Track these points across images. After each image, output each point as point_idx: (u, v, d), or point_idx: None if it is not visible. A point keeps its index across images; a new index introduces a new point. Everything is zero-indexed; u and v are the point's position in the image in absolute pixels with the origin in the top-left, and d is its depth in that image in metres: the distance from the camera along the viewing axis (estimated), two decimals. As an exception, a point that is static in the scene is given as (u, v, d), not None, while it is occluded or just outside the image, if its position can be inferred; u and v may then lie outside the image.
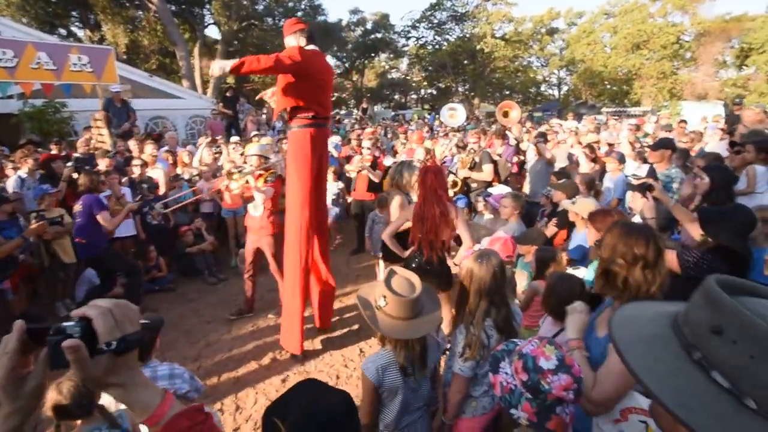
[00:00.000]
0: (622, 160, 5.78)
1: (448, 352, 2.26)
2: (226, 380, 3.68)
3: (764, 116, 6.94)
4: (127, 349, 0.72)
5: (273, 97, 3.83)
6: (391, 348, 1.96)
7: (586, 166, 6.07)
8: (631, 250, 1.56)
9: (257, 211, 4.47)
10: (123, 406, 2.25)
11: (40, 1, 18.02)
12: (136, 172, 6.10)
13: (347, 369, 3.72)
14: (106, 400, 1.87)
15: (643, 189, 3.19)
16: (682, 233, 3.89)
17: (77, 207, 4.50)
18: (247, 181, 4.45)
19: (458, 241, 3.74)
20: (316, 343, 4.13)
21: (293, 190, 3.76)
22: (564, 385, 1.32)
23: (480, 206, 5.08)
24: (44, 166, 5.60)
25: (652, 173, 4.56)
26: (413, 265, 3.53)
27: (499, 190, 5.07)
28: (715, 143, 6.63)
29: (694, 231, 2.77)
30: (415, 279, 2.01)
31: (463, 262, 2.24)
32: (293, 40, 3.56)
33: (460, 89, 30.55)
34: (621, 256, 1.58)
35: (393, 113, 25.69)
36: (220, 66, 3.24)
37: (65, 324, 0.70)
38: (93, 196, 4.53)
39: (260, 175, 4.51)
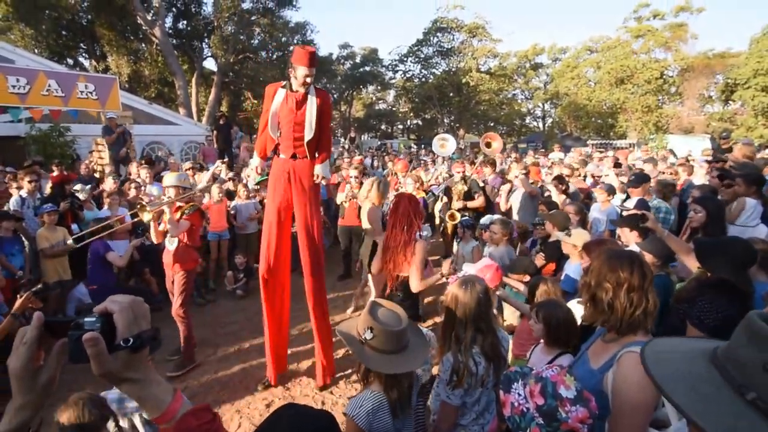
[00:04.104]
0: (611, 191, 5.51)
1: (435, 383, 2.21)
2: (211, 402, 3.62)
3: (753, 151, 6.93)
4: (143, 346, 0.74)
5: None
6: (380, 387, 1.80)
7: (557, 199, 5.70)
8: (615, 273, 1.55)
9: (172, 245, 4.11)
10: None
11: (53, 33, 18.95)
12: (131, 194, 6.24)
13: (332, 396, 3.68)
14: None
15: (636, 220, 3.08)
16: (678, 262, 3.88)
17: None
18: (160, 214, 4.08)
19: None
20: (301, 369, 4.09)
21: (311, 212, 3.64)
22: (581, 417, 1.31)
23: (460, 232, 5.13)
24: (56, 187, 5.70)
25: (641, 204, 4.47)
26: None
27: (494, 218, 5.03)
28: (702, 177, 6.60)
29: (691, 263, 2.65)
30: (400, 310, 1.93)
31: (447, 288, 2.22)
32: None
33: (445, 120, 30.94)
34: (606, 281, 1.57)
35: (379, 143, 26.11)
36: (322, 173, 3.63)
37: (86, 319, 0.71)
38: (99, 242, 4.80)
39: (178, 208, 4.18)
